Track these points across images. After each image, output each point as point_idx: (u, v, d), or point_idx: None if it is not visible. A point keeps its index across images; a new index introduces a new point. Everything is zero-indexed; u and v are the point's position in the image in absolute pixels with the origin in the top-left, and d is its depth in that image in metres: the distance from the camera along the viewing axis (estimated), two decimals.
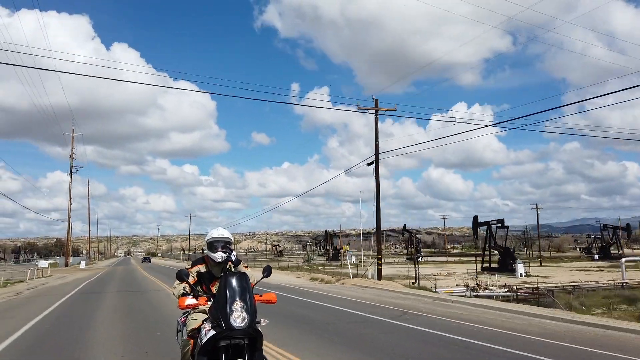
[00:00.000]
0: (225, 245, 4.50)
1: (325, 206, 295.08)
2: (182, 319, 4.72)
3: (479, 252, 48.86)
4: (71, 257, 73.40)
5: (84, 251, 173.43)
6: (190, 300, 4.04)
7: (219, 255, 4.44)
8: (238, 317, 3.75)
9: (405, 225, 75.92)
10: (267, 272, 4.60)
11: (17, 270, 41.36)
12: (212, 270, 4.61)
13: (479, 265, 37.95)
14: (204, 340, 3.84)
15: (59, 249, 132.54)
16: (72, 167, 61.71)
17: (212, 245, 4.51)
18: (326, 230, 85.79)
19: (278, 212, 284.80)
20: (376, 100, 26.19)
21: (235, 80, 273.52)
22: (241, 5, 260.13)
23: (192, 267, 4.64)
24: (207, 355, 3.84)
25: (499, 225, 42.95)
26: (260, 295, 4.28)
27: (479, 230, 48.63)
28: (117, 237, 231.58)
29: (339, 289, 21.78)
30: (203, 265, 4.64)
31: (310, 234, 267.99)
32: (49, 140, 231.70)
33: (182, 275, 4.29)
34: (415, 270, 25.00)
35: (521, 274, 34.29)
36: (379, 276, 24.41)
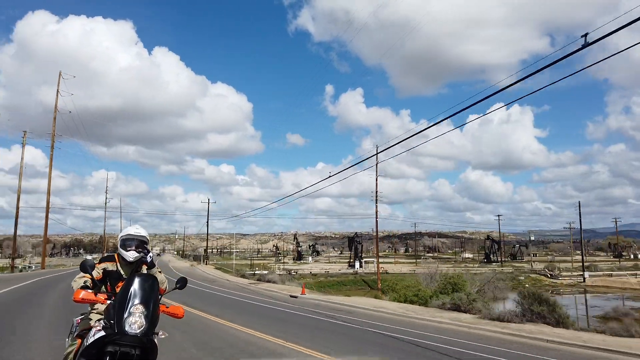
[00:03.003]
0: (141, 244, 4.19)
1: (360, 207, 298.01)
2: (78, 320, 4.26)
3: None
4: (106, 253, 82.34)
5: None
6: (86, 294, 3.65)
7: (131, 254, 4.13)
8: (135, 322, 3.38)
9: (356, 234, 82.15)
10: (181, 283, 4.29)
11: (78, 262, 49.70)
12: (121, 270, 4.19)
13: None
14: (90, 340, 3.48)
15: (101, 245, 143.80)
16: (106, 197, 69.63)
17: (125, 242, 4.19)
18: (355, 234, 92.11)
19: (313, 213, 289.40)
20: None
21: (271, 82, 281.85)
22: (276, 10, 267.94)
23: (99, 263, 4.21)
24: (90, 358, 3.45)
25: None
26: (167, 307, 3.92)
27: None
28: (155, 234, 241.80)
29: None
30: (112, 263, 4.23)
31: (338, 235, 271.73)
32: (93, 141, 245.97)
33: (86, 267, 3.90)
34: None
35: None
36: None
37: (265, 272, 59.51)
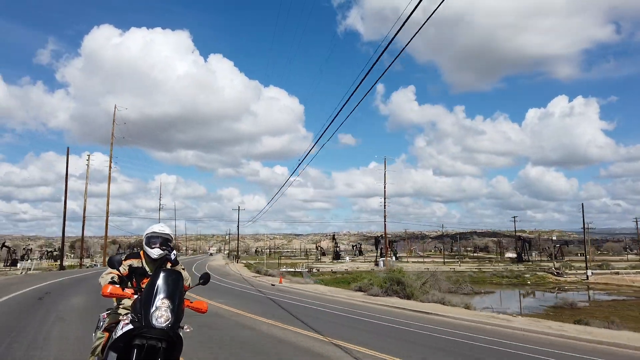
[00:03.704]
0: (165, 242, 4.36)
1: (415, 206, 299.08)
2: (105, 315, 4.45)
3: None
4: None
5: (184, 248, 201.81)
6: (114, 289, 3.81)
7: (156, 252, 4.29)
8: (161, 316, 3.53)
9: (380, 235, 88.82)
10: (204, 279, 4.42)
11: None
12: (146, 267, 4.35)
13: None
14: (119, 333, 3.63)
15: None
16: (160, 202, 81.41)
17: (150, 240, 4.35)
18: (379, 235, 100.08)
19: (367, 213, 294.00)
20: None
21: (321, 84, 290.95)
22: (325, 12, 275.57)
23: (125, 260, 4.37)
24: (117, 351, 3.60)
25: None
26: (191, 302, 4.04)
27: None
28: (213, 235, 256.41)
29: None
30: (138, 260, 4.40)
31: (389, 235, 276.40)
32: (155, 146, 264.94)
33: (113, 262, 4.09)
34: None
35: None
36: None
37: (291, 269, 68.80)
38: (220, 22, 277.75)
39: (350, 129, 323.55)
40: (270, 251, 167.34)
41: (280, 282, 32.66)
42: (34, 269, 45.84)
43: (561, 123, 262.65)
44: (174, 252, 4.41)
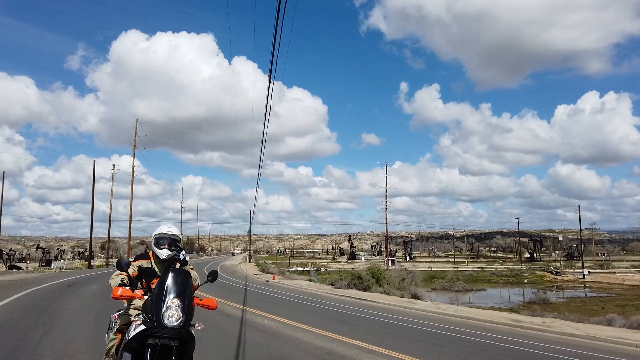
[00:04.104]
0: (173, 242, 4.46)
1: (440, 205, 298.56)
2: (116, 316, 4.52)
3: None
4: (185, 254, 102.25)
5: (209, 248, 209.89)
6: (124, 291, 3.87)
7: (165, 252, 4.39)
8: (172, 316, 3.62)
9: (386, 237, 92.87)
10: (212, 276, 4.53)
11: None
12: (155, 267, 4.46)
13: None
14: (132, 334, 3.72)
15: (188, 246, 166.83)
16: (182, 206, 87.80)
17: (159, 241, 4.45)
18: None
19: (392, 212, 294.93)
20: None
21: (345, 84, 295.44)
22: (347, 12, 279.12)
23: (134, 261, 4.47)
24: (131, 352, 3.71)
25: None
26: (201, 299, 4.16)
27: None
28: (238, 235, 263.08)
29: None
30: (147, 260, 4.50)
31: (413, 235, 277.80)
32: (181, 148, 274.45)
33: (122, 265, 4.17)
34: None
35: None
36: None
37: (301, 268, 74.16)
38: (244, 24, 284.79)
39: (374, 129, 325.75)
40: (292, 251, 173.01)
41: (274, 279, 37.94)
42: (65, 268, 52.53)
43: (592, 119, 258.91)
44: (183, 252, 4.49)
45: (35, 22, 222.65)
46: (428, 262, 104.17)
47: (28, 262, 75.79)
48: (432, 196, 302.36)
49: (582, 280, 68.21)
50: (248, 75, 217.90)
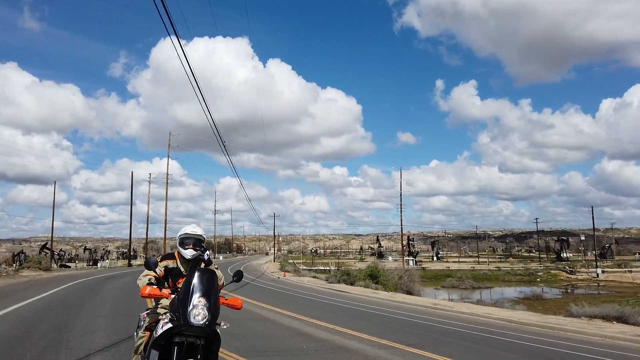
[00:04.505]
0: (198, 242, 4.62)
1: (479, 204, 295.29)
2: (145, 314, 4.74)
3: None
4: (220, 255, 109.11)
5: (247, 249, 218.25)
6: (151, 289, 4.06)
7: (190, 252, 4.55)
8: (198, 314, 3.77)
9: (408, 237, 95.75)
10: (237, 277, 4.71)
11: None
12: (181, 267, 4.64)
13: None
14: (159, 332, 3.90)
15: (226, 246, 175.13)
16: (215, 209, 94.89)
17: (183, 241, 4.61)
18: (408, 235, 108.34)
19: (429, 212, 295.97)
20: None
21: (379, 83, 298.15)
22: (380, 11, 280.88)
23: (161, 261, 4.66)
24: (159, 349, 3.87)
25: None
26: (226, 299, 4.30)
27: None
28: (277, 235, 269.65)
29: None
30: (173, 260, 4.68)
31: (451, 235, 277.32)
32: (219, 151, 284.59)
33: (150, 264, 4.39)
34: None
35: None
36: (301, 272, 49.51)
37: (323, 267, 79.77)
38: (279, 27, 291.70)
39: (410, 127, 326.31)
40: (324, 251, 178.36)
41: (284, 276, 43.65)
42: (109, 267, 60.15)
43: (639, 113, 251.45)
44: (207, 252, 4.66)
45: (80, 32, 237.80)
46: (454, 261, 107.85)
47: (76, 262, 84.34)
48: (470, 195, 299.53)
49: (595, 279, 70.62)
50: (282, 77, 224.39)
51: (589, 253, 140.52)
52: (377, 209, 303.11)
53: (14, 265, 40.30)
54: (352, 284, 32.78)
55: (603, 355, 10.29)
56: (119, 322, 11.02)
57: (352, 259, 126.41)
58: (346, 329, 11.98)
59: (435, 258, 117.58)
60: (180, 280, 4.43)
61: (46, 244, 66.95)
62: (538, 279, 71.93)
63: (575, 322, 15.73)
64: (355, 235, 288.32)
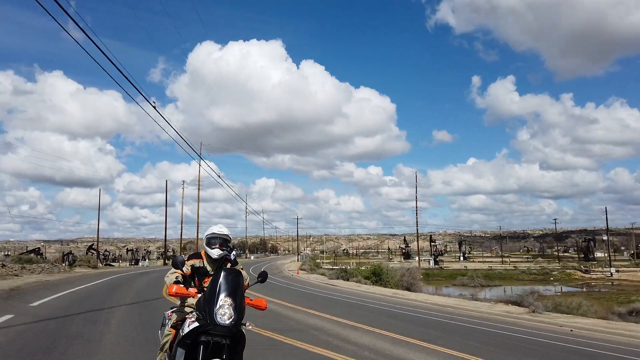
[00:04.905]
0: (224, 242, 4.73)
1: (520, 203, 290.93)
2: (169, 313, 4.89)
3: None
4: (251, 255, 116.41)
5: (282, 249, 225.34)
6: (178, 288, 4.18)
7: (216, 252, 4.66)
8: (225, 314, 3.86)
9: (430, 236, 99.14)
10: (262, 277, 4.81)
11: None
12: (207, 266, 4.76)
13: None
14: (186, 331, 3.99)
15: (261, 246, 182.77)
16: (246, 210, 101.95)
17: (210, 241, 4.73)
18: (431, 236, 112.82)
19: (467, 211, 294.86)
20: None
21: (413, 81, 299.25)
22: (413, 8, 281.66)
23: (188, 260, 4.79)
24: (185, 347, 3.98)
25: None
26: (251, 299, 4.40)
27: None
28: (310, 236, 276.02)
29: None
30: (199, 260, 4.81)
31: (489, 234, 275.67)
32: (255, 152, 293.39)
33: (177, 263, 4.52)
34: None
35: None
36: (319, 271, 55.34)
37: (343, 266, 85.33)
38: (311, 28, 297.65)
39: (445, 125, 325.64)
40: (357, 252, 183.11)
41: (297, 274, 49.79)
42: (147, 266, 67.97)
43: None
44: (233, 252, 4.81)
45: (121, 39, 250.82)
46: (479, 261, 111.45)
47: (120, 261, 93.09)
48: (510, 193, 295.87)
49: (609, 278, 73.49)
50: (316, 77, 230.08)
51: (625, 253, 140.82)
52: (413, 209, 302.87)
53: (64, 264, 47.64)
54: (347, 280, 38.56)
55: (475, 322, 15.86)
56: (141, 296, 17.59)
57: (381, 259, 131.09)
58: (309, 309, 15.76)
59: (462, 258, 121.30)
60: (206, 280, 4.57)
61: (92, 245, 75.14)
62: (551, 278, 75.33)
63: (477, 304, 21.25)
64: (390, 235, 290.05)
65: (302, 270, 55.05)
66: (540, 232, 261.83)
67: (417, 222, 71.72)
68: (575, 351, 10.79)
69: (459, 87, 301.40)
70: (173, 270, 4.54)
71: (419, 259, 76.70)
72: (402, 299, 24.47)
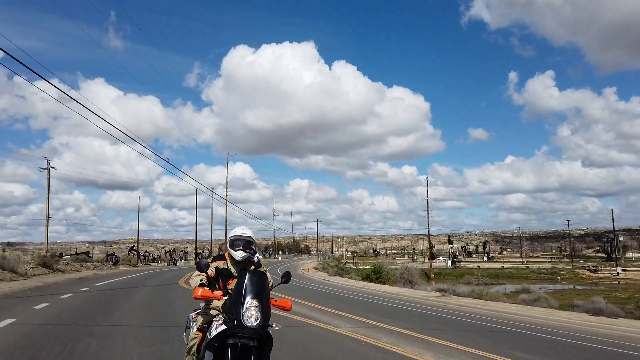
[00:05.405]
0: (248, 244, 4.87)
1: (562, 202, 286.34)
2: (193, 315, 5.02)
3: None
4: (279, 255, 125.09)
5: (315, 249, 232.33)
6: (204, 291, 4.27)
7: (240, 254, 4.81)
8: (252, 316, 3.95)
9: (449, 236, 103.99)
10: (286, 278, 4.93)
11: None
12: (232, 268, 4.91)
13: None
14: (213, 334, 4.09)
15: (295, 247, 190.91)
16: (274, 213, 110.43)
17: (234, 243, 4.87)
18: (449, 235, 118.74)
19: (505, 210, 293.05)
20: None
21: (447, 79, 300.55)
22: (446, 5, 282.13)
23: (212, 262, 4.92)
24: (213, 350, 4.09)
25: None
26: (276, 300, 4.49)
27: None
28: (343, 236, 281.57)
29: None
30: (223, 262, 4.94)
31: (527, 234, 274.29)
32: (288, 153, 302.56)
33: (201, 266, 4.63)
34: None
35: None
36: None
37: (362, 266, 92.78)
38: (343, 28, 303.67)
39: (481, 123, 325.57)
40: (388, 252, 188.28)
41: (308, 272, 57.75)
42: (183, 265, 77.56)
43: None
44: (257, 254, 4.91)
45: (158, 46, 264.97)
46: (501, 261, 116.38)
47: (158, 261, 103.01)
48: (551, 192, 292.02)
49: (615, 277, 77.97)
50: (348, 78, 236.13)
51: None
52: (449, 208, 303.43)
53: (109, 263, 57.09)
54: (341, 276, 46.25)
55: (416, 306, 23.60)
56: (163, 282, 26.18)
57: (406, 259, 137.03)
58: (294, 298, 19.06)
59: (486, 258, 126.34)
60: (230, 281, 4.76)
61: (133, 246, 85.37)
62: (558, 277, 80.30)
63: (417, 292, 28.93)
64: (425, 235, 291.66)
65: (314, 269, 62.97)
66: (582, 231, 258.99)
67: (428, 224, 78.19)
68: (421, 314, 18.31)
69: (495, 83, 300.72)
70: (197, 272, 4.68)
71: (430, 259, 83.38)
72: (366, 289, 32.23)
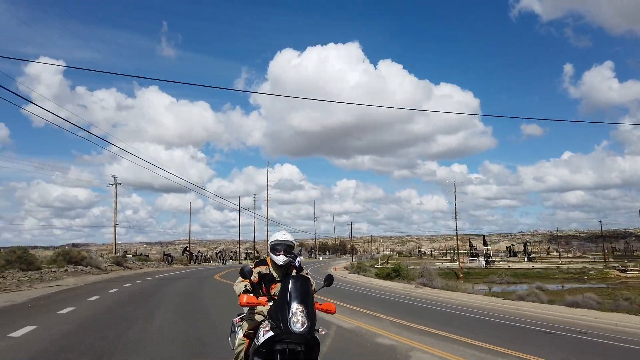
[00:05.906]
0: (288, 249, 5.04)
1: (625, 199, 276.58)
2: (237, 320, 5.22)
3: None
4: (321, 255, 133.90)
5: (362, 250, 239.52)
6: (249, 298, 4.44)
7: (281, 259, 4.97)
8: (298, 322, 4.08)
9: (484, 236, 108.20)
10: (328, 281, 5.07)
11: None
12: (274, 273, 5.07)
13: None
14: (261, 340, 4.21)
15: (342, 247, 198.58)
16: (314, 215, 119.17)
17: (275, 247, 5.04)
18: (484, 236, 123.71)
19: (563, 209, 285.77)
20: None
21: (497, 74, 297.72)
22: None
23: (254, 267, 5.06)
24: (262, 356, 4.20)
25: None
26: (320, 304, 4.65)
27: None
28: (391, 236, 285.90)
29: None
30: (265, 267, 5.11)
31: (584, 234, 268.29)
32: (335, 154, 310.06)
33: (245, 273, 4.74)
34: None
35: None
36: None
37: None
38: (387, 27, 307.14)
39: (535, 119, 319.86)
40: (434, 253, 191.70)
41: (335, 270, 66.13)
42: (231, 264, 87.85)
43: None
44: (298, 258, 5.10)
45: (208, 53, 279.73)
46: (541, 262, 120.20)
47: (210, 261, 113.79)
48: (613, 189, 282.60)
49: None
50: (394, 77, 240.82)
51: None
52: (503, 207, 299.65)
53: (165, 263, 67.52)
54: (358, 274, 54.44)
55: (413, 300, 32.08)
56: (202, 276, 35.76)
57: (447, 259, 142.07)
58: None
59: (526, 259, 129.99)
60: (273, 286, 4.98)
61: (186, 247, 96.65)
62: (586, 277, 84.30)
63: (403, 286, 37.07)
64: (476, 235, 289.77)
65: (343, 268, 71.33)
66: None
67: (456, 224, 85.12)
68: (379, 299, 26.64)
69: (549, 77, 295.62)
70: (241, 279, 4.82)
71: (458, 258, 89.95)
72: (369, 284, 40.61)
